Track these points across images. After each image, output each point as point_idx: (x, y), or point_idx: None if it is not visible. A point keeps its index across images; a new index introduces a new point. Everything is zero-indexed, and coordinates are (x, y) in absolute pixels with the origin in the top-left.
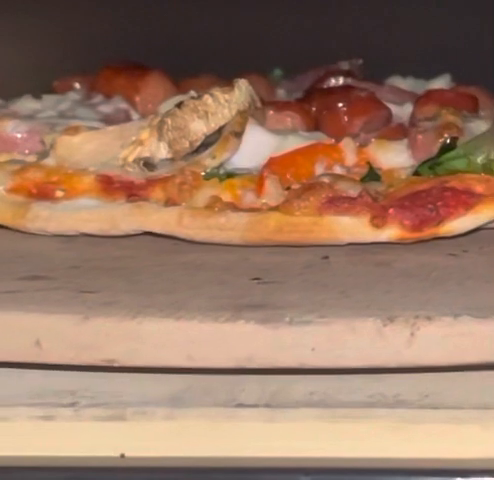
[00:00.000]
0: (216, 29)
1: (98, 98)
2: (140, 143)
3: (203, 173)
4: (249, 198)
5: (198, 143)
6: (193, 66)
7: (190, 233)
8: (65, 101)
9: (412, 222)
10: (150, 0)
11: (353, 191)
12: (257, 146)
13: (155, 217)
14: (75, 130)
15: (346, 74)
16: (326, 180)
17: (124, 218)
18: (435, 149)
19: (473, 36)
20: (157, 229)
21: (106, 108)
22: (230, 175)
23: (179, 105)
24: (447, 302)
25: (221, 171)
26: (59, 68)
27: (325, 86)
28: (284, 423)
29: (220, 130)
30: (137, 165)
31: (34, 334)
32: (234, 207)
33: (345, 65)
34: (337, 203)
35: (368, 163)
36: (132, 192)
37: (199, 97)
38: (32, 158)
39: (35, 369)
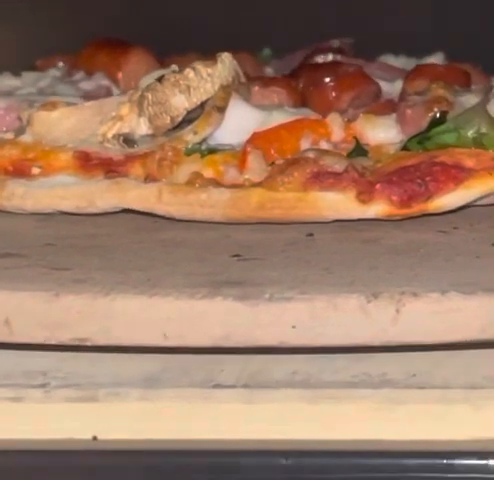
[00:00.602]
0: (205, 8)
1: (79, 75)
2: (120, 118)
3: (184, 149)
4: (231, 174)
5: (179, 118)
6: (180, 45)
7: (170, 210)
8: (45, 78)
9: (400, 198)
10: None
11: (339, 166)
12: (240, 121)
13: (134, 193)
14: (53, 106)
15: (336, 51)
16: (311, 155)
17: (102, 195)
18: (424, 123)
19: (468, 17)
20: (136, 206)
21: (87, 85)
22: (212, 151)
23: (160, 79)
24: (435, 278)
25: (203, 147)
26: (43, 47)
27: (313, 63)
28: (264, 404)
29: (202, 105)
30: (117, 141)
31: (3, 312)
32: (216, 183)
33: (335, 43)
34: (322, 178)
35: (355, 138)
36: (110, 169)
37: (181, 71)
38: (10, 135)
39: (4, 349)
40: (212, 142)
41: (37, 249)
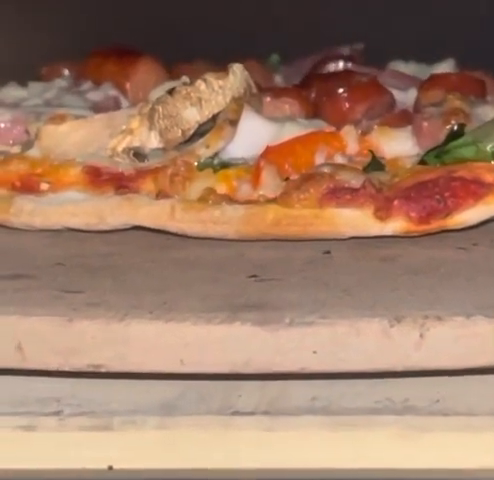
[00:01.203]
0: (212, 13)
1: (87, 85)
2: (130, 132)
3: (196, 163)
4: (245, 190)
5: (191, 132)
6: (187, 52)
7: (183, 227)
8: (52, 89)
9: (418, 214)
10: None
11: (355, 181)
12: (253, 134)
13: (145, 210)
14: (61, 119)
15: (346, 59)
16: (327, 170)
17: (112, 212)
18: (442, 136)
19: (477, 20)
20: (147, 223)
21: (95, 96)
22: (225, 165)
23: (171, 92)
24: (458, 300)
25: (215, 161)
26: (48, 54)
27: (324, 71)
28: (284, 432)
29: (214, 118)
30: (127, 155)
31: (15, 337)
32: (229, 199)
33: (345, 50)
34: (339, 194)
35: (371, 152)
36: (121, 184)
37: (192, 83)
38: (16, 149)
39: (16, 375)
40: (224, 156)
41: (47, 270)
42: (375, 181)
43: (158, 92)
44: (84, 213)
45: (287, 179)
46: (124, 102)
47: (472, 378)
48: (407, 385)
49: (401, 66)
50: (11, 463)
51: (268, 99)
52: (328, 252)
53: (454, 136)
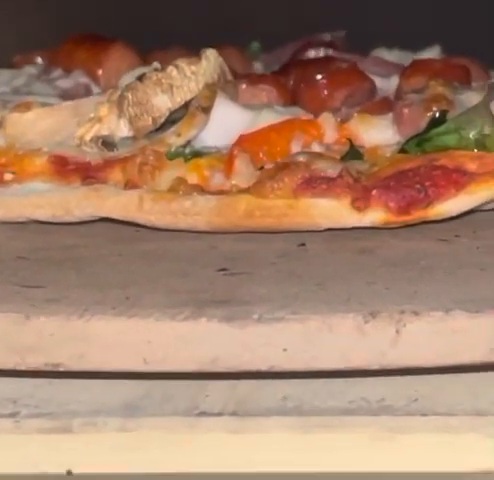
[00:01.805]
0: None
1: (57, 72)
2: (98, 120)
3: (167, 152)
4: (217, 179)
5: (162, 120)
6: (163, 39)
7: (152, 219)
8: (21, 76)
9: (398, 204)
10: None
11: (332, 171)
12: (227, 122)
13: (113, 201)
14: (26, 106)
15: (327, 45)
16: (302, 159)
17: (79, 203)
18: (423, 124)
19: (464, 8)
20: (115, 215)
21: (65, 83)
22: (196, 154)
23: (141, 78)
24: (437, 294)
25: (187, 150)
26: (22, 43)
27: (304, 58)
28: (253, 434)
29: (186, 105)
30: (95, 144)
31: None
32: (200, 190)
33: (327, 37)
34: (314, 184)
35: (349, 140)
36: (88, 174)
37: (163, 69)
38: None
39: None
40: (197, 145)
41: (8, 263)
42: (353, 170)
43: (128, 78)
44: (49, 204)
45: (261, 168)
46: (95, 90)
47: (451, 376)
48: (383, 384)
49: (384, 53)
50: None
51: (244, 86)
52: (303, 244)
53: (436, 123)
